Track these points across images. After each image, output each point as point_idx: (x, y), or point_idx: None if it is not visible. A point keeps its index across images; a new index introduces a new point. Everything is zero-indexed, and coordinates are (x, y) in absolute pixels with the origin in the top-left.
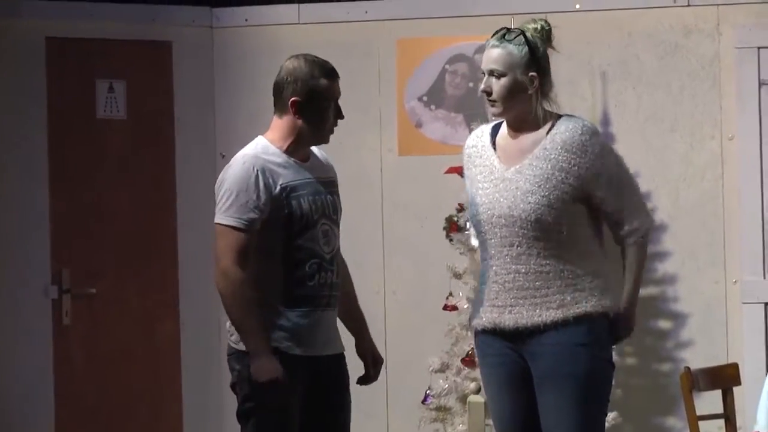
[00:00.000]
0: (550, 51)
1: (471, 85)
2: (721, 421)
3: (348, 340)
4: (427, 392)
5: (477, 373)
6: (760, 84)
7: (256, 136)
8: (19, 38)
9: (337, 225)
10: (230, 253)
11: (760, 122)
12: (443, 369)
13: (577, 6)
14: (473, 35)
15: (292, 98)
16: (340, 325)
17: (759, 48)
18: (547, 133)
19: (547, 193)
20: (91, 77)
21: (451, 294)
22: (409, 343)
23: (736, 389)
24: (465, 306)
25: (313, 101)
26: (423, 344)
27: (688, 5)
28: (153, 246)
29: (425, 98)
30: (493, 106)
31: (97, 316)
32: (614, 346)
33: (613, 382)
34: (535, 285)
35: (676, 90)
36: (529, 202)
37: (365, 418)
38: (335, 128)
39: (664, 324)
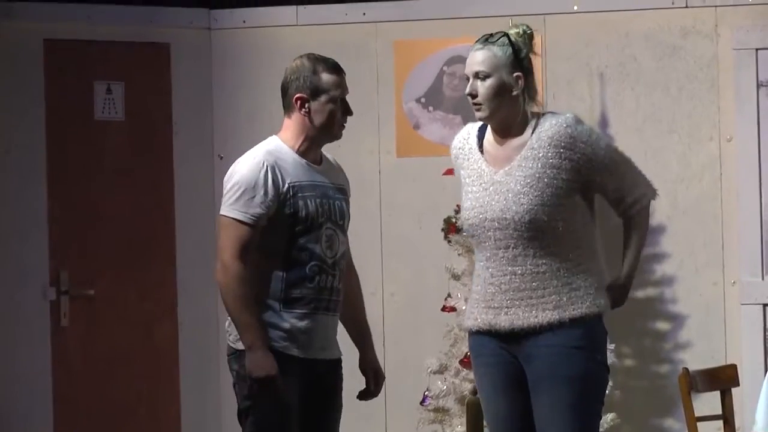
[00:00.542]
0: (534, 56)
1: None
2: (720, 422)
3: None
4: (426, 393)
5: None
6: (758, 85)
7: (255, 137)
8: (17, 40)
9: (344, 231)
10: (233, 247)
11: (758, 124)
12: (442, 370)
13: (575, 7)
14: (471, 37)
15: (297, 95)
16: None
17: (757, 50)
18: (532, 133)
19: (539, 192)
20: (89, 79)
21: (449, 295)
22: (408, 345)
23: (734, 390)
24: (463, 307)
25: (318, 96)
26: (421, 346)
27: (686, 7)
28: (151, 247)
29: (423, 100)
30: (479, 110)
31: (96, 317)
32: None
33: (611, 384)
34: (532, 286)
35: (675, 91)
36: (522, 204)
37: (364, 419)
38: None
39: (662, 325)
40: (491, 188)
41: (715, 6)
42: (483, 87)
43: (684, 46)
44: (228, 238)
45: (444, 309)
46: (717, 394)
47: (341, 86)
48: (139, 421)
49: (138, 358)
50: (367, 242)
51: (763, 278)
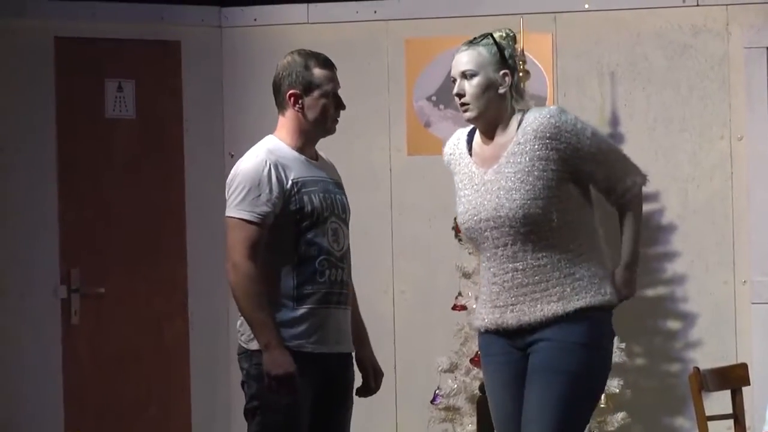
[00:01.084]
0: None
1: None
2: (730, 422)
3: None
4: (436, 392)
5: None
6: None
7: (265, 135)
8: (28, 38)
9: (347, 225)
10: (242, 247)
11: None
12: (452, 369)
13: (586, 6)
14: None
15: (290, 91)
16: None
17: None
18: (518, 128)
19: (530, 186)
20: (100, 77)
21: (460, 294)
22: (418, 343)
23: (745, 389)
24: (474, 306)
25: (310, 92)
26: (432, 344)
27: (697, 5)
28: (162, 245)
29: (434, 98)
30: (466, 110)
31: (106, 315)
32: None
33: (621, 383)
34: (534, 280)
35: (685, 90)
36: (515, 200)
37: (374, 417)
38: (342, 123)
39: (673, 324)
40: (482, 188)
41: (726, 4)
42: (470, 86)
43: (695, 44)
44: (236, 238)
45: (454, 307)
46: (727, 393)
47: (333, 80)
48: (150, 419)
49: (148, 356)
50: (377, 240)
51: None
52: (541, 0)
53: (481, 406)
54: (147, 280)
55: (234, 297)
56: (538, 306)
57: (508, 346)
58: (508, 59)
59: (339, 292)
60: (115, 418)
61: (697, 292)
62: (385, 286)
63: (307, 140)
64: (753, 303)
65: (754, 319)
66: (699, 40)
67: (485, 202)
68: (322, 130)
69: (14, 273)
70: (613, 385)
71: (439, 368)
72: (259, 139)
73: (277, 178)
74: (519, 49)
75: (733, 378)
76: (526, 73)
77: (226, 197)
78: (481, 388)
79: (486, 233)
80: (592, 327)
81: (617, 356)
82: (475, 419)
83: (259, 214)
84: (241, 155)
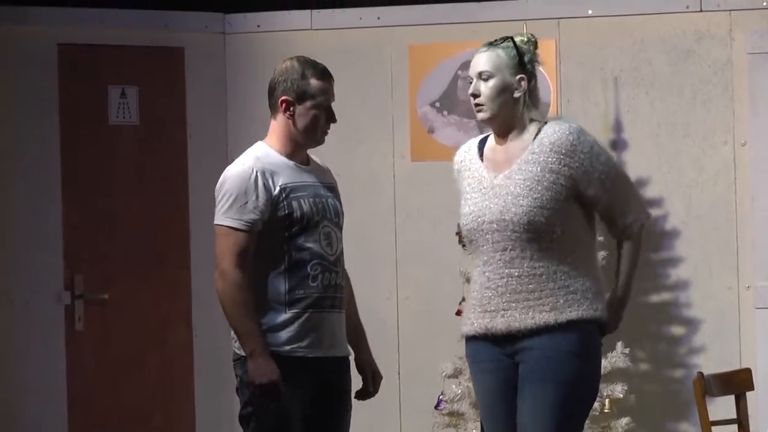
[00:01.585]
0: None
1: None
2: (734, 427)
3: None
4: (440, 398)
5: None
6: None
7: None
8: (31, 45)
9: (340, 229)
10: (229, 255)
11: None
12: (456, 374)
13: (590, 11)
14: (485, 41)
15: (283, 97)
16: None
17: None
18: (534, 138)
19: (539, 195)
20: (104, 83)
21: (463, 299)
22: (422, 349)
23: (749, 394)
24: None
25: (303, 101)
26: (436, 350)
27: (701, 11)
28: (165, 251)
29: (437, 104)
30: (480, 111)
31: (110, 321)
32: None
33: (625, 388)
34: (528, 288)
35: (689, 95)
36: (521, 205)
37: (378, 423)
38: (346, 129)
39: (677, 330)
40: (490, 192)
41: (730, 10)
42: (486, 87)
43: (698, 50)
44: (224, 246)
45: (458, 313)
46: (731, 398)
47: (328, 93)
48: (153, 426)
49: (152, 362)
50: (381, 246)
51: None
52: (544, 6)
53: None
54: (151, 286)
55: (221, 304)
56: (530, 314)
57: (497, 353)
58: (526, 64)
59: (333, 296)
60: (118, 425)
61: (700, 297)
62: (389, 292)
63: (296, 147)
64: (757, 308)
65: (758, 324)
66: (702, 45)
67: (491, 205)
68: (310, 140)
69: (18, 279)
70: (617, 390)
71: (443, 374)
72: None
73: (264, 184)
74: (540, 56)
75: (737, 383)
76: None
77: (215, 205)
78: None
79: (487, 236)
80: (582, 337)
81: (621, 361)
82: (478, 425)
83: (246, 222)
84: None
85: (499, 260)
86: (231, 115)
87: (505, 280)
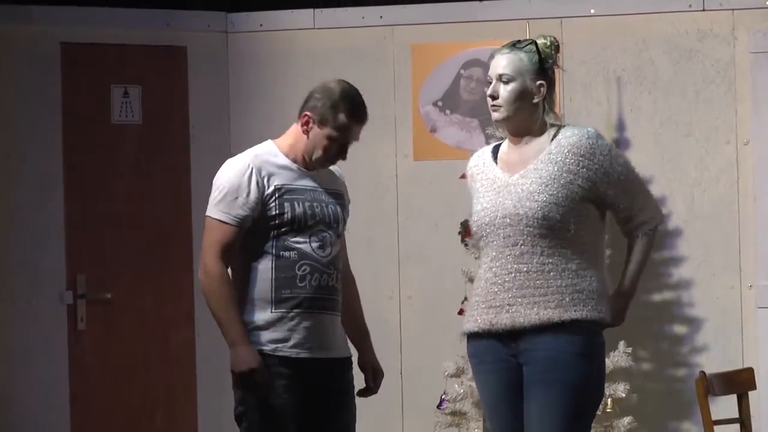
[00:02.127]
0: (557, 69)
1: (486, 90)
2: (737, 426)
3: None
4: (443, 397)
5: None
6: None
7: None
8: (34, 44)
9: (338, 234)
10: (215, 248)
11: None
12: (458, 374)
13: (592, 11)
14: (488, 40)
15: (307, 112)
16: None
17: None
18: (551, 140)
19: (554, 192)
20: (106, 82)
21: (466, 299)
22: (425, 348)
23: (751, 394)
24: None
25: (322, 126)
26: (438, 349)
27: (704, 10)
28: (168, 251)
29: (440, 103)
30: (496, 110)
31: (113, 321)
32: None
33: (628, 387)
34: (536, 284)
35: (692, 95)
36: (536, 201)
37: (381, 422)
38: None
39: (679, 329)
40: (504, 190)
41: (732, 9)
42: (505, 90)
43: (701, 49)
44: (211, 239)
45: (461, 312)
46: (734, 397)
47: (349, 132)
48: (156, 426)
49: (155, 362)
50: (384, 246)
51: None
52: (547, 5)
53: None
54: (153, 286)
55: (204, 296)
56: (535, 309)
57: (502, 353)
58: (547, 70)
59: (327, 298)
60: (121, 424)
61: (703, 296)
62: (392, 292)
63: (302, 155)
64: (759, 307)
65: (761, 324)
66: (705, 44)
67: (506, 202)
68: (313, 161)
69: (21, 278)
70: (620, 389)
71: (446, 373)
72: None
73: (257, 182)
74: (560, 59)
75: (740, 382)
76: None
77: (210, 196)
78: None
79: (499, 231)
80: (587, 338)
81: (623, 360)
82: (481, 424)
83: (234, 217)
84: None
85: (509, 255)
86: (234, 114)
87: (513, 275)
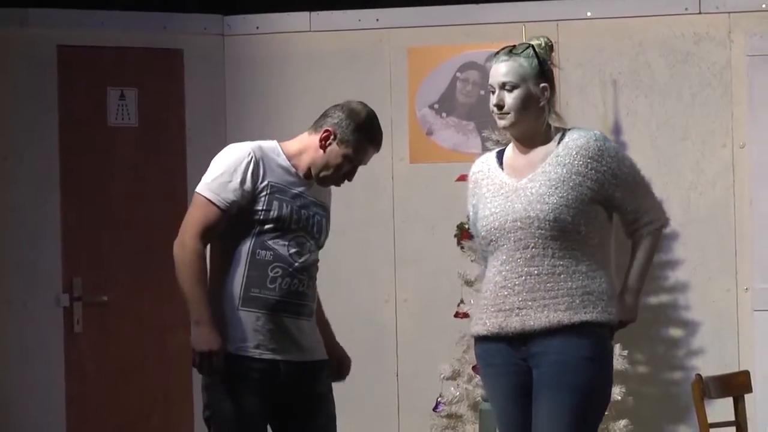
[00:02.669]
0: (553, 68)
1: (482, 92)
2: (733, 429)
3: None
4: (439, 400)
5: None
6: None
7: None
8: (31, 46)
9: (317, 244)
10: (197, 225)
11: None
12: (454, 376)
13: (589, 14)
14: (484, 43)
15: (329, 128)
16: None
17: None
18: (558, 143)
19: (564, 194)
20: (103, 85)
21: (462, 301)
22: (421, 351)
23: (747, 397)
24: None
25: (341, 144)
26: (434, 352)
27: (700, 13)
28: (164, 253)
29: (436, 106)
30: (503, 119)
31: (109, 324)
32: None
33: (624, 390)
34: (547, 287)
35: (688, 98)
36: (547, 203)
37: (377, 425)
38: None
39: (675, 332)
40: (513, 195)
41: (729, 12)
42: (510, 98)
43: (697, 52)
44: (195, 216)
45: (457, 315)
46: (730, 400)
47: (365, 156)
48: (153, 428)
49: (151, 365)
50: (380, 248)
51: None
52: (543, 8)
53: (484, 414)
54: (149, 289)
55: (177, 270)
56: (545, 312)
57: (511, 357)
58: (546, 71)
59: (295, 303)
60: (117, 427)
61: (699, 299)
62: (387, 294)
63: (307, 166)
64: (755, 310)
65: (757, 327)
66: (701, 47)
67: (515, 205)
68: (320, 177)
69: (17, 281)
70: (616, 392)
71: (442, 376)
72: None
73: (253, 172)
74: (555, 58)
75: (736, 385)
76: None
77: (205, 174)
78: (483, 395)
79: (509, 234)
80: (596, 341)
81: (619, 363)
82: (477, 427)
83: (223, 200)
84: None
85: (519, 258)
86: (230, 117)
87: (524, 278)
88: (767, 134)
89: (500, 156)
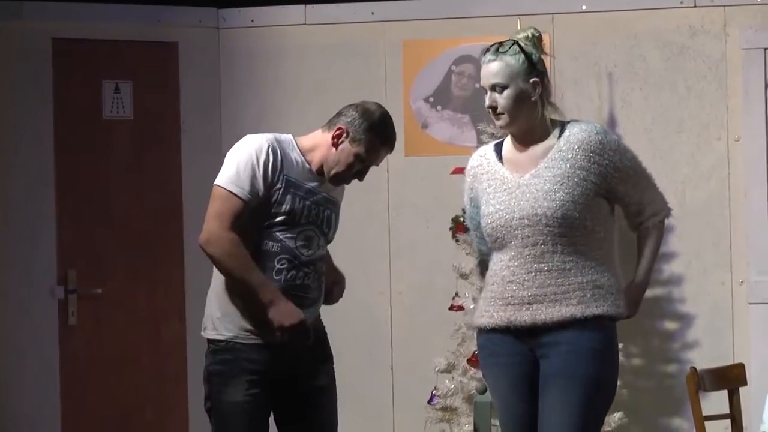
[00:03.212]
0: (544, 57)
1: (477, 86)
2: (728, 422)
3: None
4: (433, 392)
5: None
6: (767, 85)
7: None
8: (26, 39)
9: (326, 239)
10: (227, 218)
11: (766, 123)
12: (449, 369)
13: (583, 7)
14: (479, 36)
15: (342, 126)
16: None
17: (765, 49)
18: (559, 137)
19: (570, 190)
20: (98, 78)
21: (457, 294)
22: (415, 344)
23: (742, 390)
24: (471, 306)
25: (353, 143)
26: (429, 345)
27: (695, 6)
28: (159, 246)
29: (431, 99)
30: (499, 119)
31: (104, 316)
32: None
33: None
34: (557, 282)
35: (683, 91)
36: (554, 200)
37: (371, 418)
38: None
39: (670, 325)
40: (517, 191)
41: (724, 5)
42: (502, 98)
43: (692, 45)
44: (223, 208)
45: (452, 308)
46: (725, 393)
47: (377, 156)
48: (147, 421)
49: (146, 357)
50: (374, 241)
51: None
52: (538, 1)
53: (479, 406)
54: (144, 281)
55: (221, 265)
56: (557, 307)
57: (519, 347)
58: (536, 65)
59: (299, 295)
60: (112, 419)
61: (694, 292)
62: (382, 287)
63: (319, 162)
64: (750, 303)
65: (752, 320)
66: (696, 41)
67: (521, 203)
68: (330, 174)
69: (11, 274)
70: None
71: (437, 369)
72: None
73: (273, 164)
74: (545, 47)
75: (731, 378)
76: None
77: (223, 167)
78: (481, 389)
79: (517, 231)
80: (606, 334)
81: None
82: (471, 419)
83: (249, 194)
84: None
85: (528, 255)
86: (225, 110)
87: (533, 274)
88: (762, 127)
89: (498, 149)
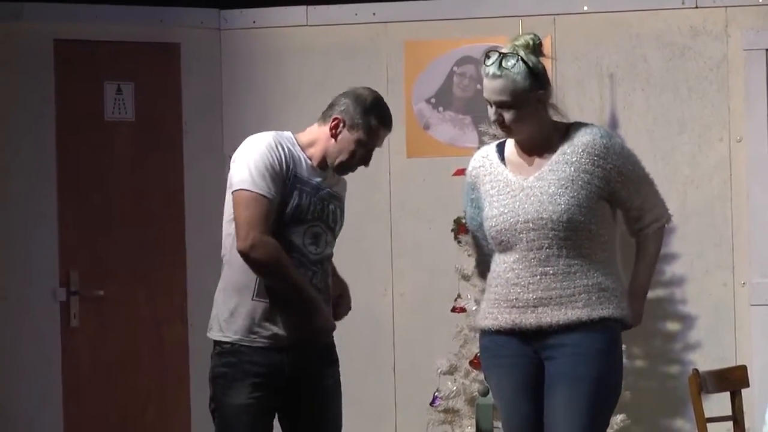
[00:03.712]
0: (545, 60)
1: (479, 87)
2: (730, 423)
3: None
4: (436, 394)
5: None
6: None
7: None
8: (27, 41)
9: (333, 234)
10: (264, 222)
11: None
12: (451, 371)
13: (585, 8)
14: (481, 37)
15: (338, 116)
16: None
17: (767, 50)
18: (563, 140)
19: (575, 194)
20: (99, 79)
21: (459, 296)
22: (418, 346)
23: (744, 391)
24: (473, 308)
25: (352, 130)
26: (431, 346)
27: (696, 7)
28: (161, 248)
29: (433, 100)
30: (508, 133)
31: (105, 318)
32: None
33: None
34: (563, 285)
35: (684, 92)
36: (559, 204)
37: (373, 420)
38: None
39: (672, 326)
40: (521, 194)
41: (725, 6)
42: (509, 114)
43: (694, 46)
44: (256, 213)
45: (454, 309)
46: (727, 395)
47: (377, 138)
48: (149, 423)
49: (148, 359)
50: (376, 242)
51: None
52: (540, 2)
53: (481, 408)
54: (146, 283)
55: (267, 269)
56: (563, 310)
57: (524, 348)
58: (539, 76)
59: None
60: (114, 421)
61: (696, 293)
62: (384, 288)
63: (321, 156)
64: (752, 305)
65: (754, 321)
66: (698, 41)
67: (525, 206)
68: (335, 166)
69: (13, 275)
70: None
71: (439, 370)
72: None
73: (286, 162)
74: (545, 51)
75: (733, 380)
76: None
77: (236, 170)
78: (483, 391)
79: (521, 235)
80: (612, 335)
81: None
82: (474, 421)
83: (274, 194)
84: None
85: (533, 258)
86: (226, 111)
87: (539, 277)
88: (764, 128)
89: (500, 150)
